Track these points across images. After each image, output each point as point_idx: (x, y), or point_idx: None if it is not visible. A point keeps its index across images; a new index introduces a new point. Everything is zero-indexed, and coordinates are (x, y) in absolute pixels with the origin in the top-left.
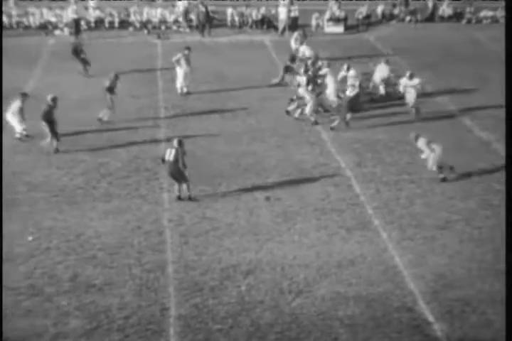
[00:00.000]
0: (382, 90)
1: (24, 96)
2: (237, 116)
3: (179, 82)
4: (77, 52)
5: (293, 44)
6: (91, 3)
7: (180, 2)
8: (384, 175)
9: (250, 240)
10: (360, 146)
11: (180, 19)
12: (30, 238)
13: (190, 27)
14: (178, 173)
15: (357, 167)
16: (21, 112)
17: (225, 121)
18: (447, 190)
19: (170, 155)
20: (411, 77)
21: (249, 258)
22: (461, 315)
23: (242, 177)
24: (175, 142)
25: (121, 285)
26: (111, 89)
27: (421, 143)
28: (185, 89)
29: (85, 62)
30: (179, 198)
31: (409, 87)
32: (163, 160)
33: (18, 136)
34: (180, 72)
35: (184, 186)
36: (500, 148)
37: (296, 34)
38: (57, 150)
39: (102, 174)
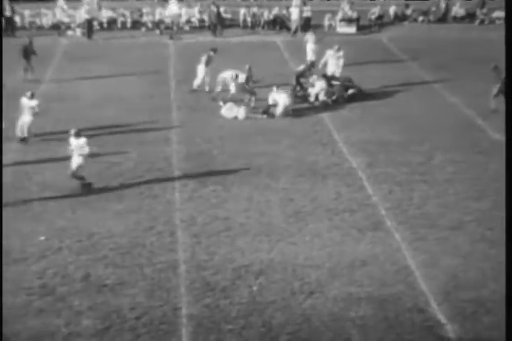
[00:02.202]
0: None
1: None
2: (250, 116)
3: (198, 79)
4: (27, 54)
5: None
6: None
7: (172, 4)
8: (396, 176)
9: (262, 240)
10: (373, 147)
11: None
12: (42, 238)
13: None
14: None
15: (369, 167)
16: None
17: (238, 122)
18: (460, 190)
19: None
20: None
21: (260, 258)
22: (474, 316)
23: (255, 177)
24: None
25: (132, 285)
26: (247, 81)
27: (82, 141)
28: (206, 88)
29: (30, 66)
30: None
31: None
32: None
33: None
34: (200, 70)
35: None
36: None
37: (307, 35)
38: None
39: (114, 174)
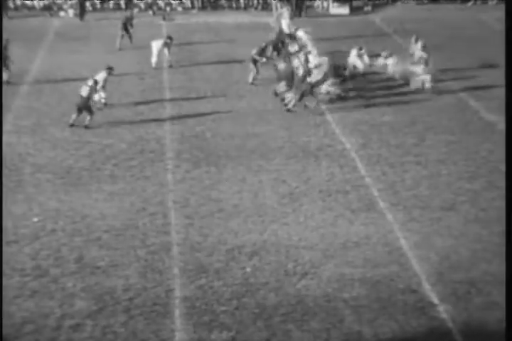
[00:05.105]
0: None
1: (110, 69)
2: (242, 97)
3: None
4: (126, 25)
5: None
6: None
7: None
8: (389, 157)
9: (255, 222)
10: (366, 128)
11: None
12: (35, 219)
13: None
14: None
15: (362, 148)
16: (105, 83)
17: (231, 103)
18: (453, 171)
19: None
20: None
21: (254, 239)
22: (466, 297)
23: (248, 158)
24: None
25: (126, 267)
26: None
27: None
28: None
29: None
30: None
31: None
32: None
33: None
34: None
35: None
36: None
37: (282, 10)
38: None
39: (107, 156)
